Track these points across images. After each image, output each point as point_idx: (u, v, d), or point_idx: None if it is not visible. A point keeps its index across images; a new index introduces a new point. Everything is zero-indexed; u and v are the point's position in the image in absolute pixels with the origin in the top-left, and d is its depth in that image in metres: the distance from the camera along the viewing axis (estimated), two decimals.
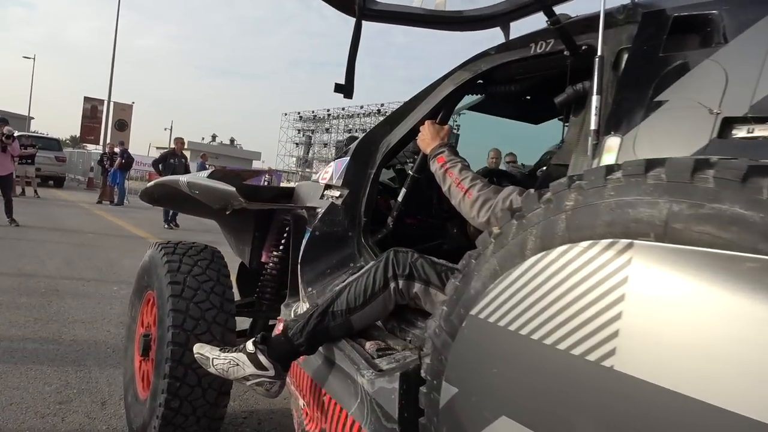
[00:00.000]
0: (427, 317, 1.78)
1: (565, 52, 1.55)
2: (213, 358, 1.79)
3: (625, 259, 0.82)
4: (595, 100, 1.30)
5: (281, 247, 2.90)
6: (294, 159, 45.17)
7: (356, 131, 40.81)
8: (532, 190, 1.64)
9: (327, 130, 42.83)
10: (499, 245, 1.08)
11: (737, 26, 1.15)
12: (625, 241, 0.83)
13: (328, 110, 41.72)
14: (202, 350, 1.84)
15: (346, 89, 1.91)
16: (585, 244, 0.88)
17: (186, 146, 11.58)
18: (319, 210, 2.09)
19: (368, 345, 1.76)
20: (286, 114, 44.97)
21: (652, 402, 0.75)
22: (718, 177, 0.76)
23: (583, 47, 1.50)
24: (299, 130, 44.56)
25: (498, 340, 1.00)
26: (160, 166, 11.36)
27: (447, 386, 1.12)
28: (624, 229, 0.85)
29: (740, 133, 1.06)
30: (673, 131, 1.15)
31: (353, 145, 2.15)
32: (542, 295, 0.93)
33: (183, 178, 2.34)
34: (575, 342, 0.87)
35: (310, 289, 2.03)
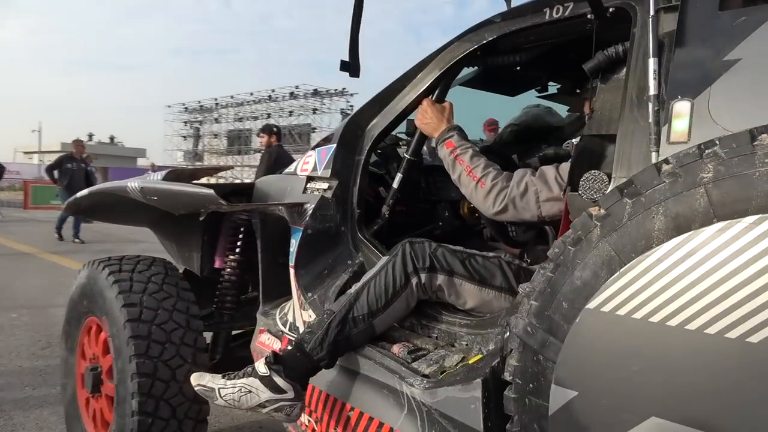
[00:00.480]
0: (445, 309, 1.66)
1: (589, 16, 1.46)
2: (219, 388, 1.54)
3: None
4: (652, 63, 1.22)
5: (237, 250, 2.63)
6: (181, 153, 42.72)
7: (247, 119, 39.33)
8: (565, 165, 1.56)
9: (216, 120, 40.83)
10: (610, 228, 0.97)
11: None
12: None
13: (216, 99, 39.77)
14: (202, 381, 1.58)
15: (352, 67, 1.70)
16: (749, 219, 0.79)
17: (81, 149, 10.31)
18: (307, 206, 1.87)
19: (396, 348, 1.60)
20: (169, 106, 42.21)
21: None
22: None
23: (610, 9, 1.42)
24: (186, 122, 42.08)
25: (638, 334, 0.89)
26: (55, 172, 10.09)
27: (559, 389, 1.00)
28: None
29: None
30: (756, 91, 1.09)
31: (338, 130, 1.94)
32: (695, 281, 0.83)
33: (133, 184, 2.00)
34: (748, 330, 0.77)
35: (310, 294, 1.82)
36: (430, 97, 1.82)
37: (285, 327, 1.97)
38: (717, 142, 0.87)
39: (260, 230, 2.24)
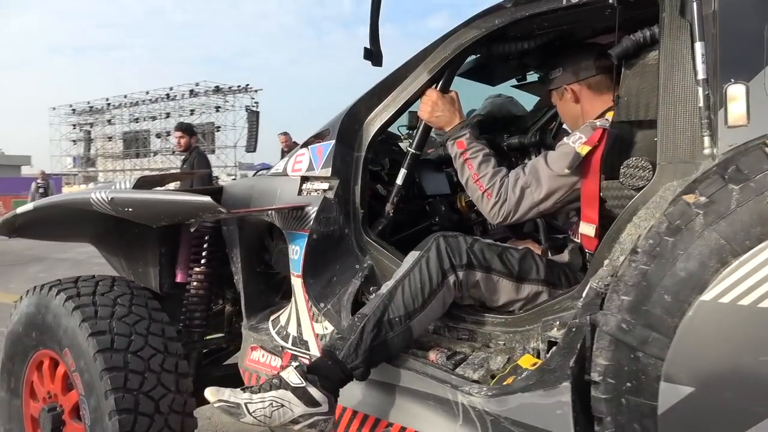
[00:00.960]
0: (470, 308, 1.60)
1: (611, 1, 1.43)
2: (246, 403, 1.37)
3: None
4: (699, 47, 1.21)
5: (203, 261, 2.41)
6: (70, 159, 39.41)
7: (144, 120, 36.99)
8: (552, 153, 1.53)
9: (109, 121, 37.93)
10: (716, 216, 0.94)
11: None
12: None
13: (107, 99, 36.94)
14: (222, 396, 1.40)
15: (374, 55, 1.56)
16: None
17: None
18: (309, 209, 1.71)
19: (432, 355, 1.51)
20: (54, 108, 38.66)
21: None
22: None
23: None
24: (74, 125, 38.74)
25: (764, 323, 0.87)
26: None
27: (670, 386, 0.96)
28: None
29: None
30: None
31: (334, 126, 1.79)
32: None
33: (99, 195, 1.73)
34: None
35: (322, 305, 1.67)
36: (434, 86, 1.73)
37: (287, 342, 1.81)
38: None
39: (239, 238, 2.05)
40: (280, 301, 2.19)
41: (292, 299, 1.85)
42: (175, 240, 2.50)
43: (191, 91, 35.26)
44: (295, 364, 1.43)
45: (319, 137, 1.85)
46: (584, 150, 1.42)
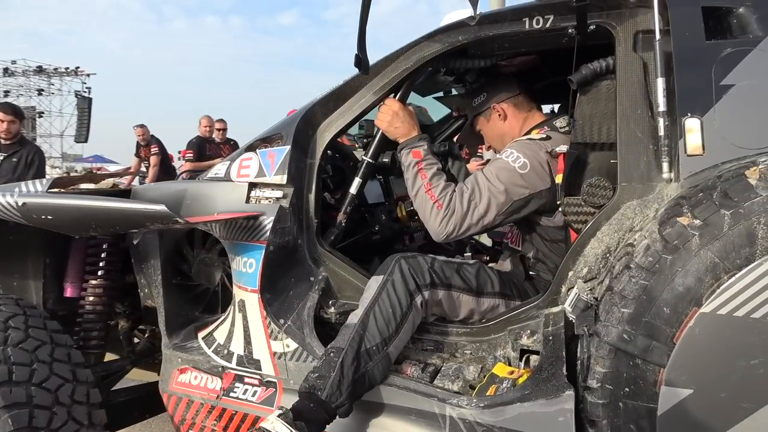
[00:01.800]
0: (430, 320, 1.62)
1: (570, 30, 1.55)
2: None
3: None
4: (660, 82, 1.36)
5: (101, 273, 2.13)
6: None
7: None
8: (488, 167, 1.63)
9: None
10: (711, 238, 1.06)
11: (766, 21, 1.36)
12: None
13: None
14: None
15: (363, 64, 1.48)
16: None
17: None
18: (263, 218, 1.59)
19: (408, 369, 1.50)
20: None
21: None
22: None
23: (591, 27, 1.53)
24: None
25: (759, 332, 1.01)
26: None
27: (670, 390, 1.07)
28: None
29: None
30: (753, 114, 1.30)
31: (288, 130, 1.68)
32: None
33: (6, 200, 1.40)
34: None
35: (282, 321, 1.56)
36: (393, 97, 1.72)
37: (229, 361, 1.67)
38: None
39: (160, 249, 1.85)
40: (202, 315, 2.02)
41: (233, 315, 1.71)
42: (62, 251, 2.17)
43: (5, 70, 30.56)
44: (277, 412, 1.32)
45: (268, 141, 1.73)
46: (560, 178, 1.52)
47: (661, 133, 1.35)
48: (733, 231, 1.05)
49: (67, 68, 31.24)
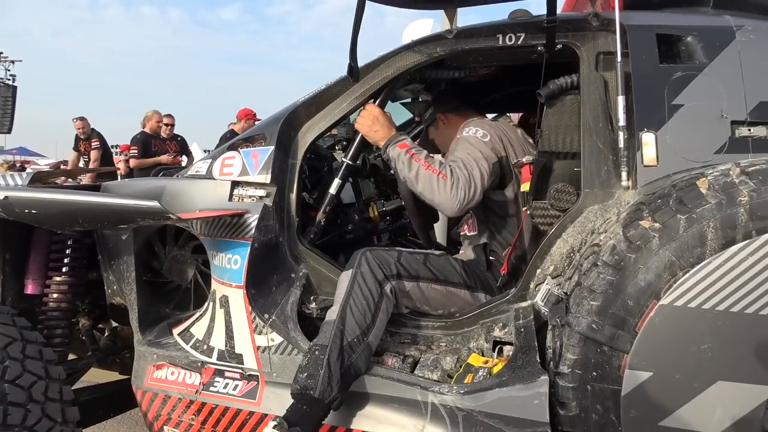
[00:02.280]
0: (406, 313, 1.72)
1: (539, 48, 1.69)
2: None
3: None
4: (621, 100, 1.51)
5: (66, 270, 2.09)
6: None
7: None
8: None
9: None
10: (668, 239, 1.22)
11: (710, 50, 1.54)
12: None
13: None
14: None
15: (354, 72, 1.53)
16: None
17: None
18: (248, 216, 1.62)
19: (389, 360, 1.59)
20: None
21: None
22: None
23: (558, 45, 1.68)
24: None
25: (707, 320, 1.16)
26: None
27: (634, 372, 1.21)
28: None
29: (743, 133, 1.47)
30: (699, 131, 1.48)
31: (271, 131, 1.72)
32: (755, 275, 1.14)
33: None
34: None
35: (266, 315, 1.60)
36: (373, 102, 1.81)
37: (209, 356, 1.70)
38: (746, 171, 1.19)
39: (133, 245, 1.84)
40: (173, 312, 2.03)
41: (212, 310, 1.74)
42: (21, 246, 2.12)
43: None
44: (272, 423, 1.38)
45: (250, 141, 1.77)
46: (526, 186, 1.66)
47: (621, 145, 1.51)
48: (688, 233, 1.21)
49: None
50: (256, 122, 6.12)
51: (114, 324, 2.34)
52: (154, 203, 1.43)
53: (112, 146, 10.18)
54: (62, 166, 15.00)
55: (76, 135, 7.48)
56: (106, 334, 2.42)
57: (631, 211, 1.34)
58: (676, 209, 1.23)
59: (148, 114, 6.53)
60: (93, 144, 7.23)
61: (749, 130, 1.47)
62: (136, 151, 6.40)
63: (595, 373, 1.26)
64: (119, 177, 7.76)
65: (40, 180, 1.68)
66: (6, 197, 1.44)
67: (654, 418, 1.22)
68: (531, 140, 1.89)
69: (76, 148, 7.59)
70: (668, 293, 1.20)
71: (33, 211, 1.45)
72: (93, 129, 7.46)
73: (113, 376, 2.38)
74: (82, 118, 7.36)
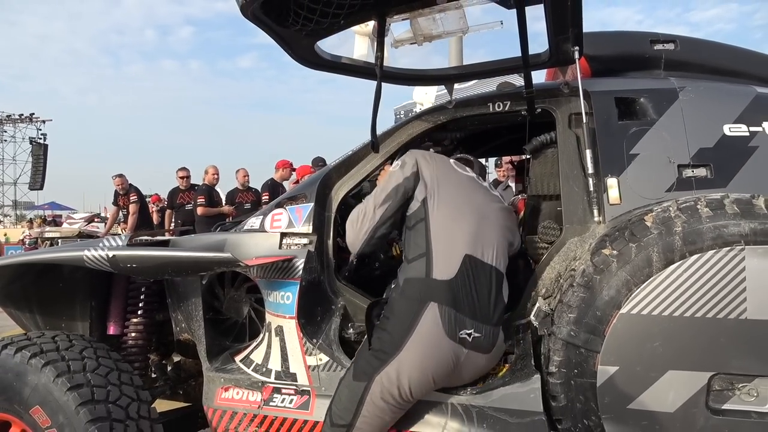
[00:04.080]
0: None
1: (523, 112, 2.09)
2: None
3: (739, 253, 1.47)
4: (589, 153, 1.90)
5: (141, 312, 2.51)
6: None
7: None
8: None
9: None
10: (623, 263, 1.58)
11: (659, 108, 1.93)
12: (737, 246, 1.47)
13: None
14: None
15: (375, 145, 1.97)
16: (709, 252, 1.49)
17: None
18: (296, 260, 2.03)
19: None
20: None
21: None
22: (767, 204, 1.48)
23: (538, 110, 2.08)
24: None
25: (657, 324, 1.52)
26: None
27: (605, 368, 1.57)
28: (724, 241, 1.49)
29: (688, 174, 1.84)
30: (652, 174, 1.86)
31: (312, 191, 2.15)
32: (690, 286, 1.50)
33: (94, 253, 1.78)
34: (723, 308, 1.47)
35: (315, 340, 1.99)
36: (390, 163, 2.22)
37: (268, 377, 2.08)
38: (680, 207, 1.56)
39: (200, 289, 2.25)
40: (232, 344, 2.42)
41: (268, 338, 2.13)
42: (104, 294, 2.55)
43: None
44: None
45: (294, 200, 2.19)
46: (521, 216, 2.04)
47: (591, 188, 1.89)
48: (638, 257, 1.57)
49: (21, 115, 30.86)
50: (293, 170, 6.74)
51: (176, 358, 2.74)
52: (228, 254, 1.84)
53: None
54: (95, 219, 15.65)
55: (116, 191, 8.07)
56: (170, 368, 2.82)
57: (597, 242, 1.71)
58: (628, 239, 1.60)
59: (208, 168, 7.32)
60: (131, 198, 7.80)
61: (692, 171, 1.84)
62: (203, 200, 7.07)
63: (576, 371, 1.61)
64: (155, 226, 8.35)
65: (135, 241, 2.11)
66: (114, 256, 1.87)
67: (623, 403, 1.56)
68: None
69: (115, 203, 8.18)
70: (626, 304, 1.56)
71: (134, 266, 1.88)
72: (131, 184, 8.05)
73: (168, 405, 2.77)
74: (120, 175, 7.97)
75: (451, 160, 1.97)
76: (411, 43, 2.03)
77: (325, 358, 1.97)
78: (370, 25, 2.04)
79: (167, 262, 1.92)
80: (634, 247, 1.58)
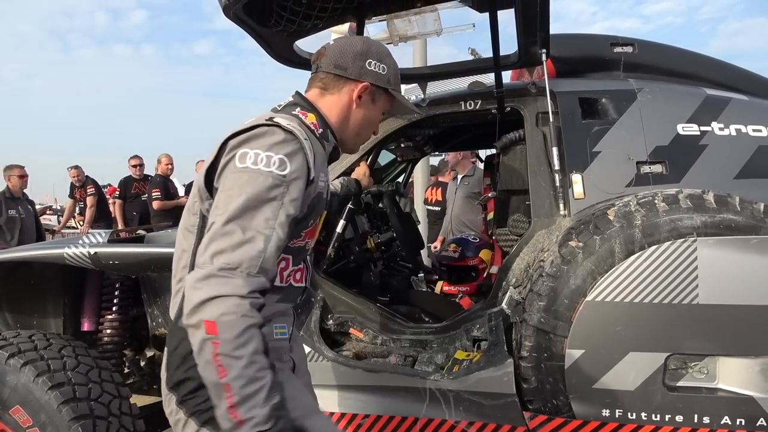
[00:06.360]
0: (406, 323, 2.18)
1: (493, 111, 2.19)
2: None
3: (692, 244, 1.61)
4: (555, 150, 2.01)
5: (116, 308, 2.52)
6: None
7: None
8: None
9: None
10: (588, 254, 1.71)
11: (619, 108, 2.06)
12: (690, 238, 1.62)
13: None
14: None
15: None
16: (665, 243, 1.63)
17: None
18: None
19: (393, 359, 2.04)
20: None
21: (720, 313, 1.58)
22: (716, 198, 1.63)
23: (507, 108, 2.18)
24: None
25: (619, 310, 1.65)
26: None
27: (572, 351, 1.69)
28: (678, 233, 1.63)
29: (645, 170, 1.98)
30: (613, 170, 1.99)
31: None
32: (648, 275, 1.63)
33: (75, 251, 1.76)
34: (678, 294, 1.61)
35: (298, 332, 2.05)
36: (366, 159, 2.29)
37: None
38: (639, 202, 1.69)
39: None
40: None
41: None
42: (77, 290, 2.53)
43: None
44: None
45: None
46: (491, 216, 2.14)
47: (557, 184, 2.01)
48: (602, 249, 1.70)
49: None
50: None
51: (149, 353, 2.75)
52: None
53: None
54: (47, 212, 15.08)
55: (72, 183, 7.83)
56: (143, 363, 2.82)
57: (564, 234, 1.82)
58: (593, 232, 1.72)
59: (160, 157, 6.92)
60: (89, 191, 7.57)
61: (650, 168, 1.98)
62: (158, 194, 6.68)
63: (545, 355, 1.73)
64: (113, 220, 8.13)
65: (116, 237, 2.11)
66: (95, 253, 1.87)
67: (589, 383, 1.69)
68: None
69: (71, 196, 7.93)
70: (591, 292, 1.68)
71: (116, 262, 1.89)
72: (87, 176, 7.82)
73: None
74: (76, 167, 7.72)
75: None
76: (387, 43, 2.09)
77: (306, 349, 2.03)
78: (347, 24, 2.09)
79: (150, 258, 1.94)
80: (598, 239, 1.71)
